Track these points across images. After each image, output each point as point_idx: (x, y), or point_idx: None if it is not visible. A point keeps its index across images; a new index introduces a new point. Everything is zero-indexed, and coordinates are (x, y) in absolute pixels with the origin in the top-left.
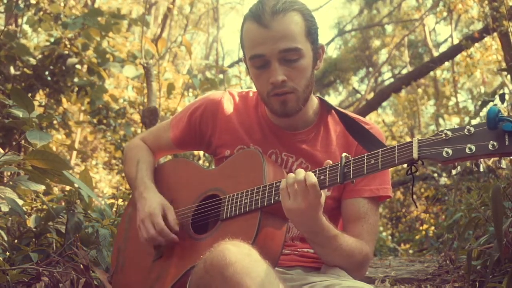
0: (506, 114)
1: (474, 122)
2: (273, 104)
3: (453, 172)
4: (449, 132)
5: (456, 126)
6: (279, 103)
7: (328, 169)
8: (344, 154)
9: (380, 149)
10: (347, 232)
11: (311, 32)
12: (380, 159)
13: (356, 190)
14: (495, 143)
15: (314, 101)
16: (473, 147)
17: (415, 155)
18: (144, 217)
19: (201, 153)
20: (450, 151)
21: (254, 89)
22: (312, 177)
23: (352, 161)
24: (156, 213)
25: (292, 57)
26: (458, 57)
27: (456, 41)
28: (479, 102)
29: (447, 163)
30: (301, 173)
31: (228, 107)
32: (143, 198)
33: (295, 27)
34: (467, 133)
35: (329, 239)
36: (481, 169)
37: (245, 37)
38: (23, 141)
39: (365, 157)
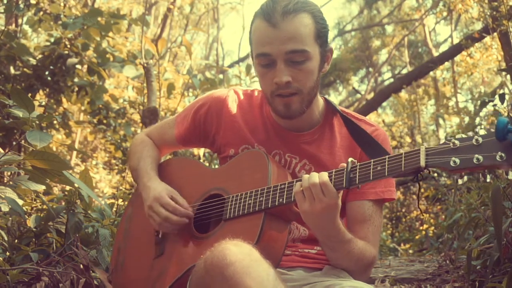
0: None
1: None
2: (276, 105)
3: (460, 181)
4: (457, 141)
5: (464, 136)
6: (283, 105)
7: (334, 173)
8: (350, 159)
9: (387, 156)
10: (353, 234)
11: (321, 35)
12: (386, 166)
13: (361, 193)
14: (503, 155)
15: (320, 102)
16: (480, 158)
17: (422, 163)
18: (151, 203)
19: (201, 153)
20: (457, 160)
21: (258, 88)
22: (326, 179)
23: (358, 167)
24: (163, 196)
25: (298, 59)
26: (458, 57)
27: (456, 41)
28: (479, 102)
29: (454, 172)
30: (315, 176)
31: (233, 105)
32: (147, 187)
33: (304, 29)
34: (475, 143)
35: (343, 243)
36: (488, 180)
37: (253, 34)
38: (23, 141)
39: (372, 163)
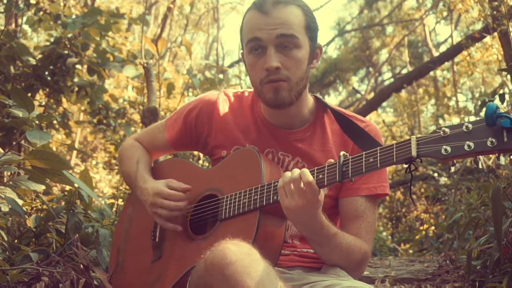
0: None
1: (472, 118)
2: (265, 93)
3: (452, 169)
4: (447, 129)
5: (454, 123)
6: (272, 91)
7: (326, 167)
8: (342, 153)
9: (378, 148)
10: (345, 231)
11: (310, 28)
12: (378, 157)
13: (353, 189)
14: (493, 140)
15: (309, 99)
16: (471, 144)
17: (413, 153)
18: (153, 199)
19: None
20: (448, 148)
21: (251, 90)
22: (308, 175)
23: (350, 160)
24: (162, 188)
25: (288, 44)
26: (458, 57)
27: (456, 41)
28: (479, 102)
29: (446, 161)
30: (296, 172)
31: (224, 107)
32: (144, 189)
33: (295, 18)
34: (465, 130)
35: (328, 238)
36: (480, 166)
37: (245, 25)
38: (23, 141)
39: (364, 156)
